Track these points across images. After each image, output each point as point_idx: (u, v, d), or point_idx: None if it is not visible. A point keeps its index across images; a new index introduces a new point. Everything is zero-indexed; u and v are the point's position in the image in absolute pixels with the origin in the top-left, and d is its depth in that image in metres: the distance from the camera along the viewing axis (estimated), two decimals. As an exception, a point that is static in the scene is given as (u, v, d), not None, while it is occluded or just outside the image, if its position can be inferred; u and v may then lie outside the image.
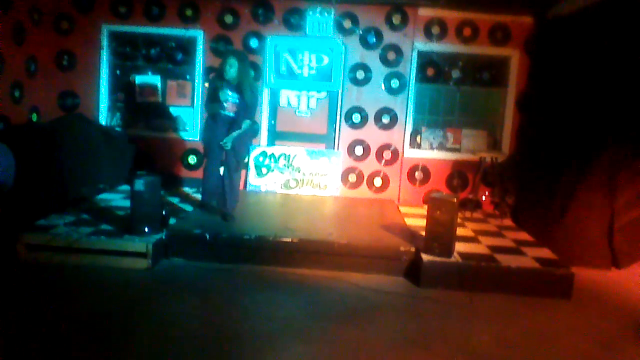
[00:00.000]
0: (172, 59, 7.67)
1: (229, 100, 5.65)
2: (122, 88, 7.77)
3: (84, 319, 4.00)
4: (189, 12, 7.43)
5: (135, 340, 3.74)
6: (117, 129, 7.64)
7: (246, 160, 7.32)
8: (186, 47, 7.62)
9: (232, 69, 5.55)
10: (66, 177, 6.07)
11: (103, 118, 7.67)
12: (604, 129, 5.87)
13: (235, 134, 5.70)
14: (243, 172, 7.23)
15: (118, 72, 7.74)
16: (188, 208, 6.40)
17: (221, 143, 5.68)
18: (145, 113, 7.76)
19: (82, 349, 3.55)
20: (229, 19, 7.45)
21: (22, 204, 5.38)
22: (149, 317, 4.13)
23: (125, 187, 6.94)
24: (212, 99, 5.75)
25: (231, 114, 5.72)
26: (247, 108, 5.71)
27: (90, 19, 7.48)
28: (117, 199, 6.65)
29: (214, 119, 5.81)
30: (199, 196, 6.74)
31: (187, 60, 7.65)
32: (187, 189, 7.45)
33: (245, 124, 5.72)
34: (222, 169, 6.03)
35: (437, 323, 4.33)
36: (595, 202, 5.88)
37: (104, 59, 7.58)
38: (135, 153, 7.49)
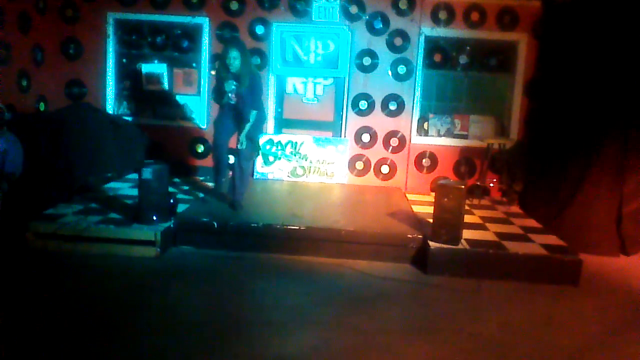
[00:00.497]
0: (178, 46, 7.64)
1: (234, 90, 5.64)
2: (129, 76, 7.77)
3: (92, 306, 4.04)
4: (194, -1, 7.41)
5: (143, 327, 3.78)
6: (127, 118, 7.64)
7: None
8: (192, 35, 7.59)
9: (236, 61, 5.51)
10: (74, 166, 6.09)
11: (110, 107, 7.68)
12: (612, 115, 5.82)
13: (246, 130, 5.69)
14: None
15: (124, 60, 7.73)
16: (197, 196, 6.42)
17: (238, 146, 5.71)
18: (152, 101, 7.76)
19: (90, 336, 3.59)
20: (234, 5, 7.41)
21: (30, 193, 5.41)
22: (157, 304, 4.16)
23: (133, 176, 6.96)
24: (219, 90, 5.76)
25: (234, 102, 5.72)
26: (252, 96, 5.68)
27: (95, 6, 7.46)
28: (125, 187, 6.69)
29: (222, 108, 5.84)
30: (206, 185, 6.81)
31: (193, 47, 7.62)
32: (195, 177, 7.47)
33: (252, 115, 5.69)
34: (232, 158, 6.04)
35: (444, 310, 4.34)
36: (604, 188, 5.86)
37: (110, 47, 7.58)
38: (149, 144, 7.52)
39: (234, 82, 5.59)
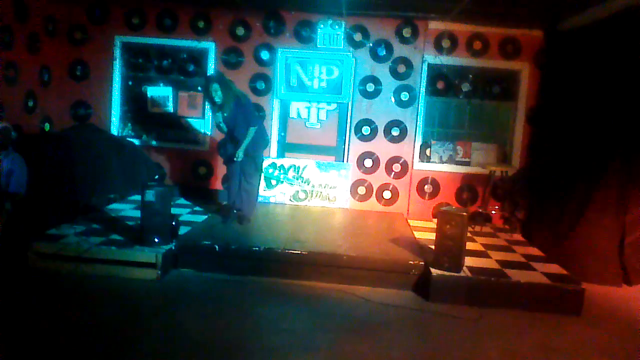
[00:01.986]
0: (184, 70, 7.74)
1: (222, 120, 5.91)
2: (134, 99, 7.84)
3: (92, 328, 4.01)
4: (201, 24, 7.52)
5: (142, 351, 3.74)
6: (134, 140, 7.70)
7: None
8: (198, 59, 7.69)
9: (218, 93, 5.80)
10: (77, 186, 6.11)
11: (115, 128, 7.73)
12: (615, 143, 5.84)
13: (244, 145, 5.93)
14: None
15: (130, 82, 7.81)
16: (198, 219, 6.43)
17: (235, 159, 5.94)
18: (156, 124, 7.83)
19: (89, 358, 3.57)
20: (240, 31, 7.52)
21: (33, 213, 5.42)
22: (157, 327, 4.13)
23: (136, 197, 6.98)
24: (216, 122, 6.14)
25: (230, 127, 5.98)
26: (244, 115, 5.92)
27: (103, 30, 7.57)
28: (127, 209, 6.69)
29: (227, 136, 6.12)
30: (207, 207, 6.88)
31: (198, 71, 7.71)
32: (198, 199, 7.48)
33: (250, 131, 5.94)
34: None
35: (445, 338, 4.30)
36: (606, 217, 5.84)
37: (117, 69, 7.67)
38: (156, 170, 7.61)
39: (220, 113, 5.88)
